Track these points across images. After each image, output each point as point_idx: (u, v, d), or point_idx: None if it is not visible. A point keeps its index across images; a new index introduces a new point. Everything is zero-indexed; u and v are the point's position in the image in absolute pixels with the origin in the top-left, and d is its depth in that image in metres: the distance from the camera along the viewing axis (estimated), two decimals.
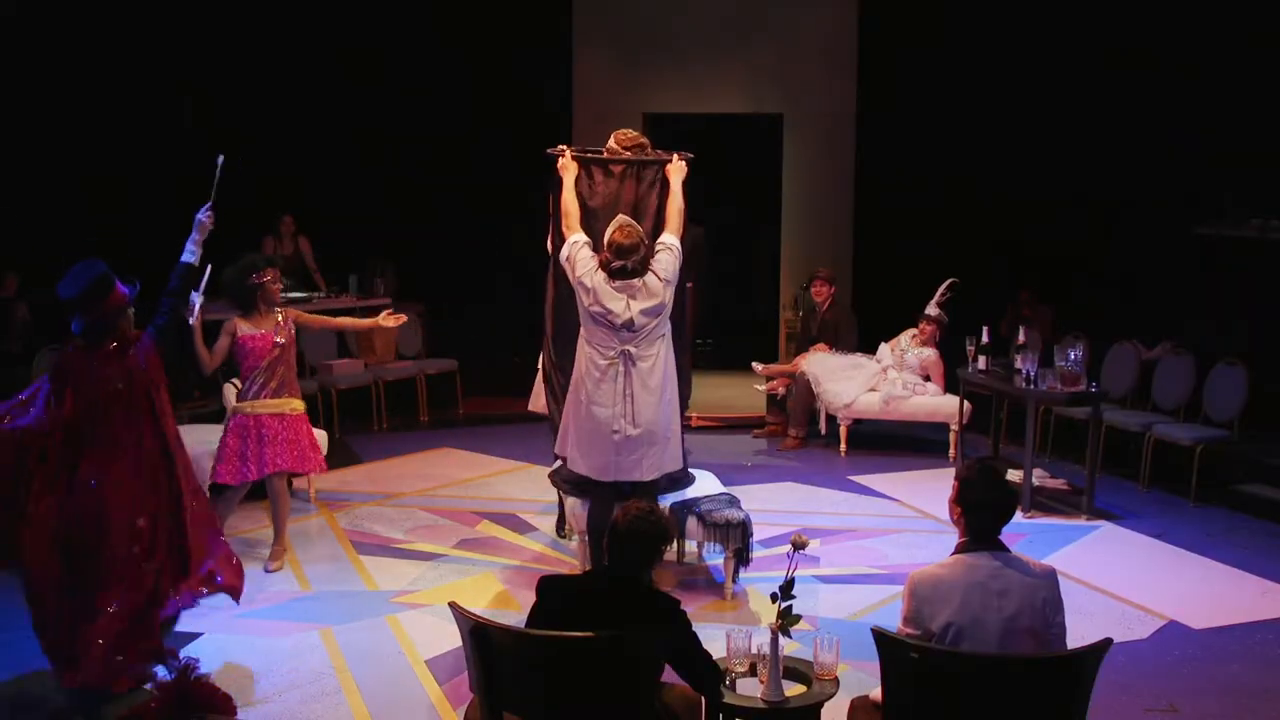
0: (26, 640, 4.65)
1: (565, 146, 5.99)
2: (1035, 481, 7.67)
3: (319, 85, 11.01)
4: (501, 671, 3.52)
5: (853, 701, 3.88)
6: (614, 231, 5.54)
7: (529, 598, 3.82)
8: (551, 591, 3.71)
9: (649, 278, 5.53)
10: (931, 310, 9.05)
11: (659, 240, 5.68)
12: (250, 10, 10.60)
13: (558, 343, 6.13)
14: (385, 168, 11.33)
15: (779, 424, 9.52)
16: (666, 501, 5.87)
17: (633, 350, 5.56)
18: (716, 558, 6.22)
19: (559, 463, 6.14)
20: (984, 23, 10.41)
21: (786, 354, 10.40)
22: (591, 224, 5.79)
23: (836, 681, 3.98)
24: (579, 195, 5.87)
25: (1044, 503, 7.67)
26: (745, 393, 10.00)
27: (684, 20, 10.99)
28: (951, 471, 5.81)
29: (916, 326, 9.16)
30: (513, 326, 9.86)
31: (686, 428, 6.22)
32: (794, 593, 3.88)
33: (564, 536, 6.87)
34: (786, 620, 3.87)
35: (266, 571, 6.28)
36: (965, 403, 8.56)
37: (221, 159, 5.12)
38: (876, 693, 3.66)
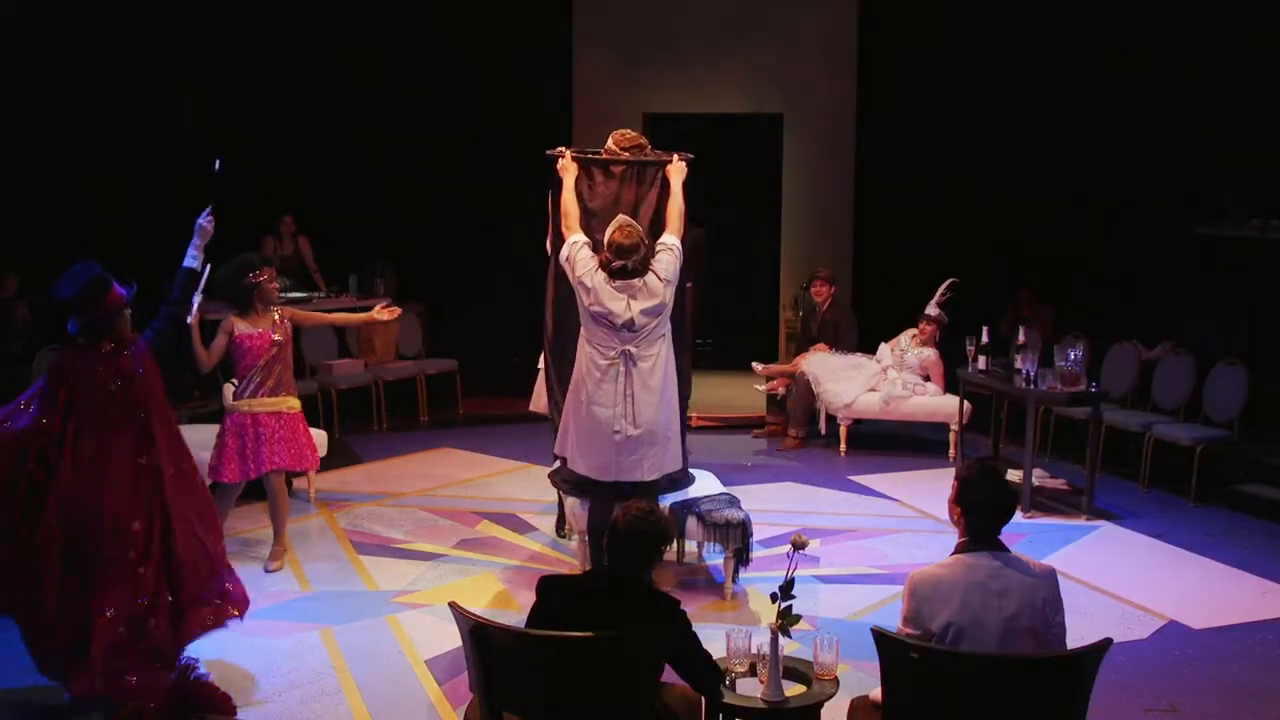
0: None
1: (565, 149, 5.99)
2: (1035, 481, 7.67)
3: (319, 85, 11.01)
4: (501, 671, 3.52)
5: (853, 701, 3.88)
6: (614, 231, 5.55)
7: (529, 598, 3.82)
8: (551, 591, 3.71)
9: (649, 278, 5.53)
10: (931, 310, 9.05)
11: (660, 240, 5.68)
12: (250, 10, 10.60)
13: (558, 343, 6.13)
14: (385, 168, 11.32)
15: (779, 424, 9.52)
16: (666, 501, 5.88)
17: (633, 350, 5.56)
18: (716, 558, 6.22)
19: (559, 463, 6.14)
20: (984, 23, 10.40)
21: (786, 354, 10.40)
22: (591, 225, 5.79)
23: (836, 681, 3.98)
24: (579, 196, 5.87)
25: (1044, 503, 7.67)
26: (745, 393, 10.00)
27: (684, 20, 10.99)
28: (951, 471, 5.80)
29: (916, 326, 9.16)
30: (513, 326, 9.86)
31: (686, 428, 6.22)
32: (794, 593, 3.88)
33: (564, 536, 6.87)
34: (786, 620, 3.87)
35: (266, 571, 6.28)
36: (965, 403, 8.56)
37: (219, 163, 5.12)
38: (876, 693, 3.66)
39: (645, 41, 11.03)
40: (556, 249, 5.86)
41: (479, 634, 3.50)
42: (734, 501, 6.11)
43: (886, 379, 9.01)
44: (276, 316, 6.25)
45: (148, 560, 4.46)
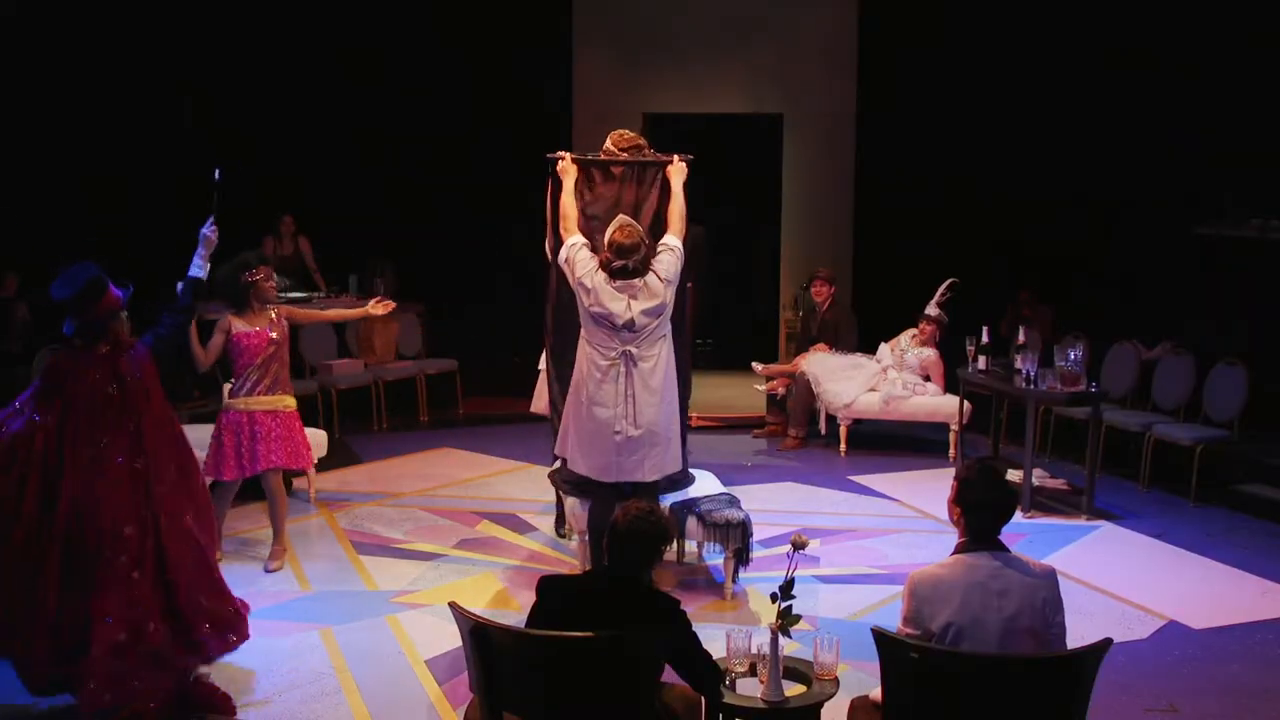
0: None
1: (565, 153, 5.99)
2: (1035, 481, 7.67)
3: (319, 85, 11.01)
4: (501, 671, 3.52)
5: (853, 701, 3.88)
6: (614, 231, 5.55)
7: (529, 597, 3.82)
8: (551, 591, 3.71)
9: (650, 278, 5.53)
10: (931, 310, 9.05)
11: (661, 241, 5.68)
12: (250, 10, 10.60)
13: (557, 345, 6.13)
14: (385, 168, 11.32)
15: (779, 424, 9.52)
16: (666, 501, 5.87)
17: (634, 351, 5.56)
18: (716, 558, 6.22)
19: (558, 462, 6.14)
20: (984, 23, 10.40)
21: (786, 354, 10.40)
22: (592, 227, 5.79)
23: (836, 681, 3.98)
24: (579, 198, 5.87)
25: (1044, 503, 7.67)
26: (745, 393, 9.99)
27: (684, 20, 10.99)
28: (951, 471, 5.80)
29: (916, 326, 9.16)
30: (513, 326, 9.86)
31: (687, 428, 6.22)
32: (794, 593, 3.88)
33: (563, 535, 6.87)
34: (786, 620, 3.87)
35: (266, 571, 6.28)
36: (965, 403, 8.56)
37: (219, 173, 5.13)
38: (876, 693, 3.66)
39: (645, 41, 11.03)
40: (555, 251, 5.86)
41: (479, 634, 3.50)
42: (734, 501, 6.11)
43: (886, 379, 9.01)
44: (273, 315, 6.26)
45: (141, 566, 4.44)
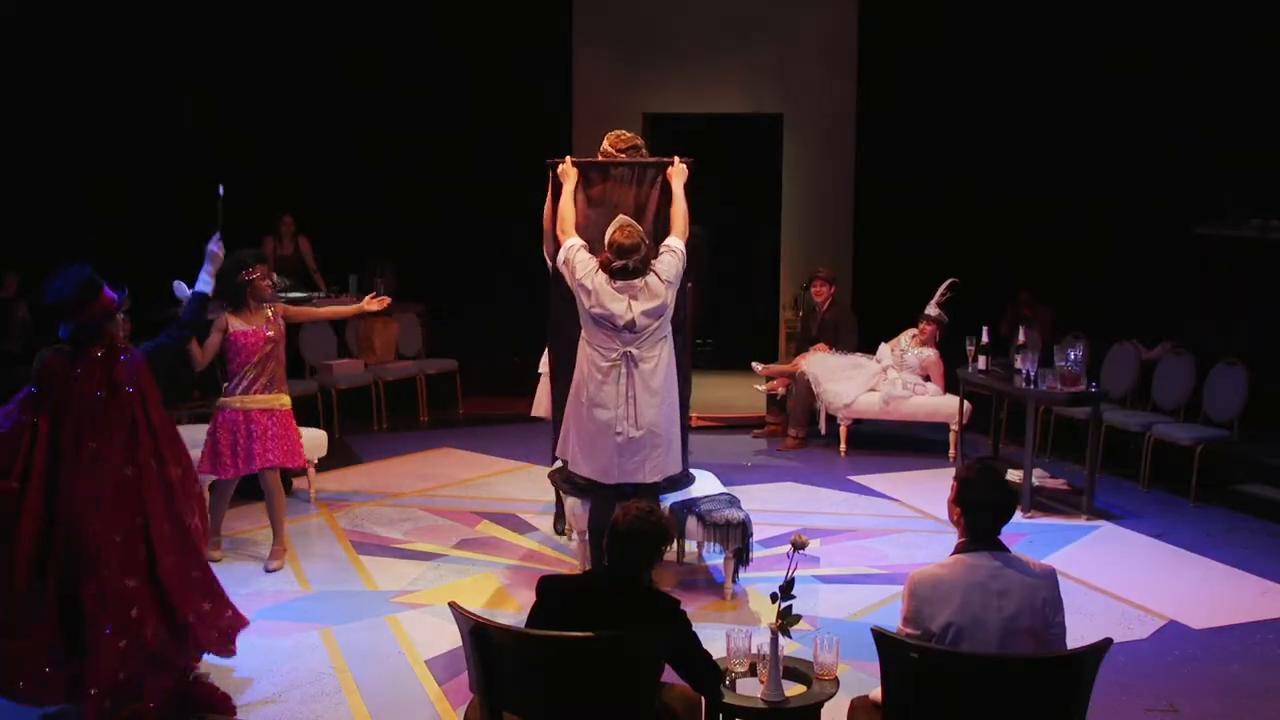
0: None
1: (566, 157, 5.99)
2: (1035, 481, 7.67)
3: (319, 85, 11.01)
4: (501, 671, 3.52)
5: (853, 701, 3.88)
6: (614, 231, 5.54)
7: (528, 597, 3.82)
8: (551, 591, 3.71)
9: (650, 278, 5.53)
10: (931, 310, 9.05)
11: (664, 243, 5.68)
12: (250, 10, 10.59)
13: (557, 347, 6.13)
14: (385, 168, 11.33)
15: (779, 424, 9.52)
16: (666, 501, 5.87)
17: (635, 352, 5.55)
18: (716, 558, 6.22)
19: (558, 462, 6.14)
20: (984, 23, 10.40)
21: (786, 354, 10.40)
22: (592, 228, 5.78)
23: (836, 681, 3.98)
24: (579, 200, 5.87)
25: (1044, 503, 7.67)
26: (745, 393, 10.00)
27: (684, 20, 10.99)
28: (951, 471, 5.80)
29: (916, 326, 9.16)
30: (513, 326, 9.87)
31: (687, 428, 6.22)
32: (794, 593, 3.88)
33: (562, 534, 6.87)
34: (786, 620, 3.87)
35: (266, 571, 6.28)
36: (965, 403, 8.56)
37: (223, 189, 5.15)
38: (876, 693, 3.66)
39: (645, 41, 11.03)
40: (553, 254, 5.85)
41: (479, 634, 3.50)
42: (734, 501, 6.11)
43: (886, 379, 9.01)
44: (270, 313, 6.27)
45: (133, 571, 4.42)
